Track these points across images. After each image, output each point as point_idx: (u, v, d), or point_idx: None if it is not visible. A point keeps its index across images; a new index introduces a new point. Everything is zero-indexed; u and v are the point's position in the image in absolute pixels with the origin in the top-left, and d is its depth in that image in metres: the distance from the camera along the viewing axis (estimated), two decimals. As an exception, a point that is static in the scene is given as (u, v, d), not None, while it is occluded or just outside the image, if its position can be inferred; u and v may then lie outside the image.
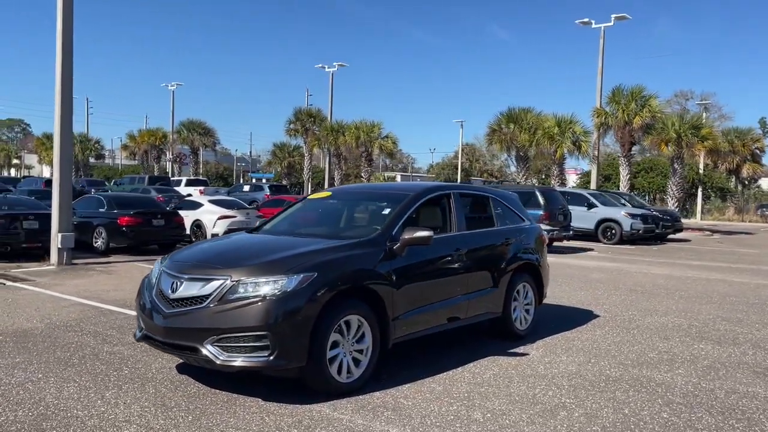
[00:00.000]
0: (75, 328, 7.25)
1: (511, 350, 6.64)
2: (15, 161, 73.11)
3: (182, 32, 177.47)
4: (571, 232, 18.85)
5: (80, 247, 15.02)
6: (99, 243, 14.98)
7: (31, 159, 71.94)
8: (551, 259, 16.13)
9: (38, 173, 61.70)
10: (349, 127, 39.07)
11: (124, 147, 53.37)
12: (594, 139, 32.32)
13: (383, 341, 5.44)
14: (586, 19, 32.84)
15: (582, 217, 21.88)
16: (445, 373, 5.76)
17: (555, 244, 19.07)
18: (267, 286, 4.76)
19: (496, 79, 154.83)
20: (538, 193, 18.36)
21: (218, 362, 4.72)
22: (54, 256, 12.87)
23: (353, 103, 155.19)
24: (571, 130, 32.47)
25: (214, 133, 47.92)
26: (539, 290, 7.52)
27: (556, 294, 10.37)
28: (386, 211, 6.03)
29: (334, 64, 42.85)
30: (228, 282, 4.81)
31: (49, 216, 13.21)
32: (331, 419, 4.54)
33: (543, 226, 17.53)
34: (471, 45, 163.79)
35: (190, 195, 28.97)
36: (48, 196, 17.05)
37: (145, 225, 15.01)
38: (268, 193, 32.85)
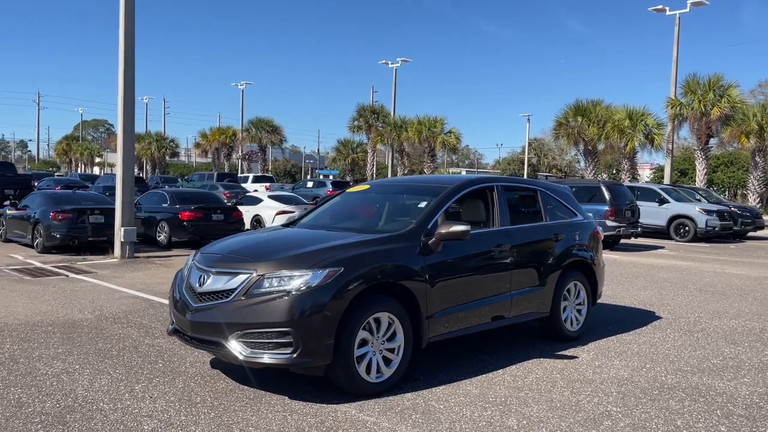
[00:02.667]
0: (122, 319, 7.35)
1: (560, 352, 6.26)
2: (98, 159, 76.67)
3: (253, 32, 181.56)
4: (639, 229, 17.99)
5: (146, 241, 15.49)
6: (162, 237, 15.36)
7: (114, 157, 75.27)
8: (618, 256, 15.56)
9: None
10: (411, 123, 38.88)
11: (197, 145, 54.96)
12: (668, 132, 30.86)
13: (417, 340, 5.19)
14: (660, 6, 31.33)
15: (653, 214, 20.87)
16: (484, 375, 5.47)
17: (622, 241, 18.29)
18: (292, 281, 4.61)
19: (566, 72, 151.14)
20: (603, 188, 17.60)
21: (242, 358, 4.60)
22: (117, 249, 13.25)
23: (417, 99, 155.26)
24: (642, 122, 31.20)
25: (281, 131, 48.67)
26: (593, 289, 7.09)
27: (616, 293, 9.85)
28: (422, 205, 5.78)
29: (398, 59, 42.70)
30: (254, 276, 4.69)
31: (114, 211, 13.61)
32: (355, 420, 4.35)
33: (608, 223, 16.97)
34: (543, 37, 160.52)
35: (256, 191, 29.52)
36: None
37: (205, 220, 15.28)
38: (331, 189, 33.02)
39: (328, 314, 4.56)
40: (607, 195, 17.34)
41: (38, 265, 11.96)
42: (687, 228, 20.54)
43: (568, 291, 6.73)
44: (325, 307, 4.56)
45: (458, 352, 6.18)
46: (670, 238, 20.57)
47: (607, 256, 15.48)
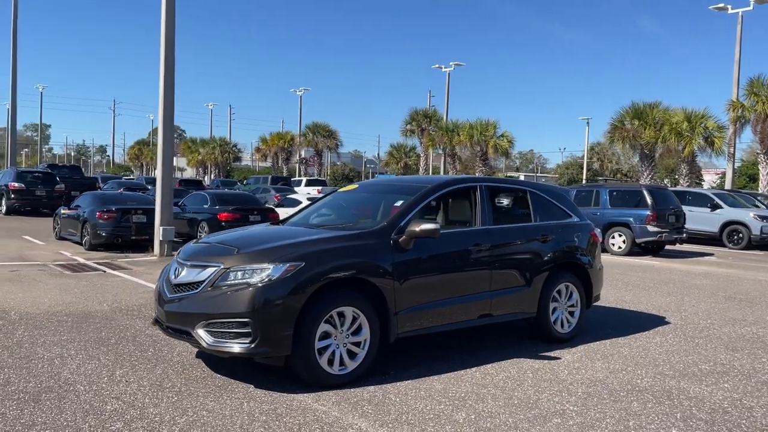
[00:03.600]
0: (134, 312, 7.77)
1: (544, 353, 6.24)
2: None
3: (314, 41, 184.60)
4: (684, 235, 17.39)
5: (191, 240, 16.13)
6: (202, 236, 15.97)
7: (183, 161, 78.39)
8: (657, 262, 15.14)
9: (190, 175, 66.78)
10: (463, 127, 38.74)
11: (257, 150, 56.51)
12: (729, 135, 29.61)
13: (384, 335, 5.32)
14: (722, 5, 30.14)
15: (704, 219, 20.15)
16: (455, 372, 5.53)
17: (667, 247, 17.74)
18: (254, 274, 4.83)
19: (627, 73, 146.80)
20: (645, 193, 17.13)
21: (206, 346, 4.86)
22: (156, 247, 13.88)
23: (474, 103, 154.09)
24: (702, 125, 30.03)
25: (337, 135, 49.38)
26: (587, 292, 7.00)
27: (636, 298, 9.66)
28: (398, 203, 5.90)
29: (451, 63, 42.66)
30: (220, 269, 4.94)
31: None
32: (306, 409, 4.52)
33: (650, 228, 16.52)
34: (605, 35, 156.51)
35: (309, 194, 30.14)
36: (179, 194, 18.48)
37: (242, 220, 15.77)
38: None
39: (286, 306, 4.76)
40: (648, 199, 16.86)
41: (82, 261, 12.68)
42: (740, 234, 19.70)
43: (559, 292, 6.69)
44: (284, 300, 4.76)
45: (440, 349, 6.26)
46: (724, 245, 19.78)
47: (644, 261, 15.17)
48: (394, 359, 5.77)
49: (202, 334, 4.85)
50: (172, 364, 5.52)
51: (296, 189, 36.06)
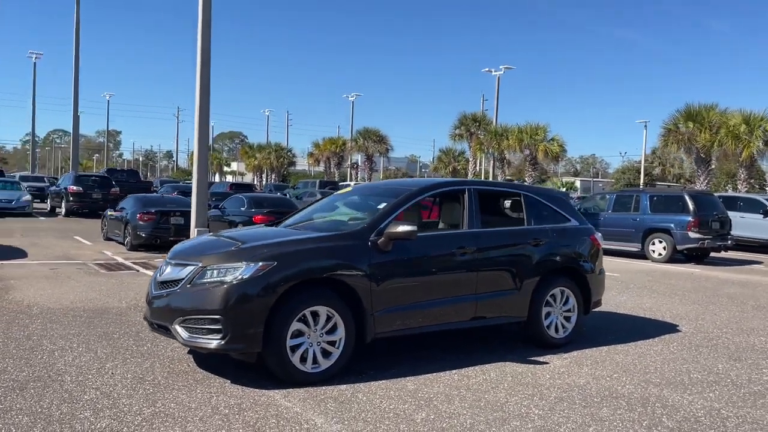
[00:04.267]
0: (148, 309, 8.11)
1: (534, 358, 6.19)
2: (225, 169, 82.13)
3: (366, 46, 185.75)
4: (729, 242, 16.72)
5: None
6: (238, 239, 16.41)
7: (242, 166, 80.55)
8: (697, 270, 14.65)
9: (250, 179, 68.45)
10: (512, 131, 38.30)
11: (310, 155, 57.40)
12: (791, 138, 28.25)
13: (361, 336, 5.41)
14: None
15: (756, 226, 19.36)
16: (434, 374, 5.56)
17: (714, 255, 17.10)
18: (228, 273, 5.01)
19: (688, 76, 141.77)
20: (687, 198, 16.57)
21: (182, 341, 5.07)
22: (191, 249, 14.36)
23: (525, 107, 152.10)
24: (762, 128, 28.79)
25: (387, 140, 49.61)
26: (585, 297, 6.90)
27: (655, 306, 9.42)
28: (381, 206, 5.99)
29: (501, 67, 42.26)
30: (198, 267, 5.15)
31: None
32: (270, 404, 4.65)
33: (691, 234, 15.97)
34: (662, 36, 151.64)
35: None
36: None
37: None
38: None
39: (257, 304, 4.92)
40: (690, 205, 16.31)
41: (120, 260, 13.25)
42: (794, 242, 18.79)
43: (553, 297, 6.62)
44: (254, 298, 4.92)
45: (427, 350, 6.31)
46: (776, 253, 18.93)
47: (684, 269, 14.70)
48: (377, 359, 5.86)
49: (179, 329, 5.07)
50: (162, 359, 5.76)
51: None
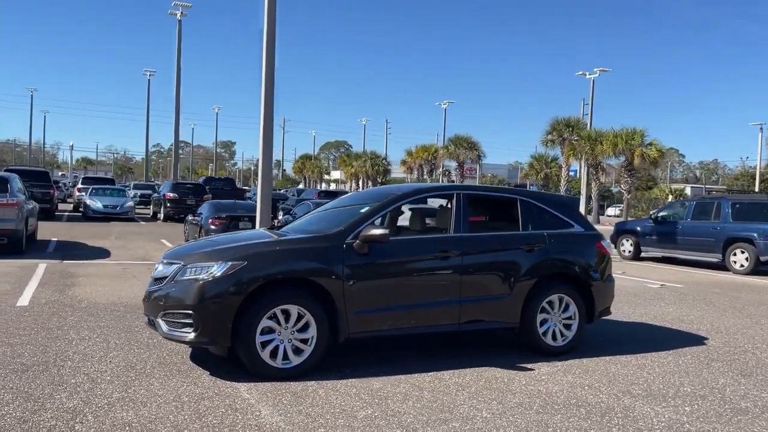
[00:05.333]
0: (182, 307, 8.69)
1: (523, 364, 6.12)
2: (326, 177, 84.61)
3: (460, 51, 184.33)
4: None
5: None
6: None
7: (342, 174, 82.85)
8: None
9: (348, 187, 70.18)
10: (606, 135, 36.93)
11: (403, 162, 58.02)
12: None
13: (334, 335, 5.61)
14: None
15: None
16: (409, 375, 5.65)
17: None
18: (202, 271, 5.37)
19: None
20: (772, 204, 15.40)
21: (162, 334, 5.49)
22: (255, 252, 15.10)
23: (623, 111, 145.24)
24: None
25: (479, 147, 49.26)
26: (588, 305, 6.70)
27: (697, 318, 9.03)
28: (363, 210, 6.15)
29: (596, 70, 40.88)
30: (180, 266, 5.55)
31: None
32: (229, 396, 4.94)
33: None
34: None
35: (440, 204, 30.58)
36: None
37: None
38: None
39: (225, 301, 5.24)
40: (775, 212, 15.15)
41: (188, 262, 14.17)
42: None
43: (550, 304, 6.50)
44: (223, 295, 5.25)
45: (416, 350, 6.43)
46: None
47: (764, 282, 13.62)
48: (361, 359, 6.02)
49: (161, 323, 5.49)
50: (161, 351, 6.21)
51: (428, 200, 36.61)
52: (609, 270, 6.96)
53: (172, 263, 5.72)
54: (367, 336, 5.83)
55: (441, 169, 53.78)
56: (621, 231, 18.86)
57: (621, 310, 9.37)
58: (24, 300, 8.59)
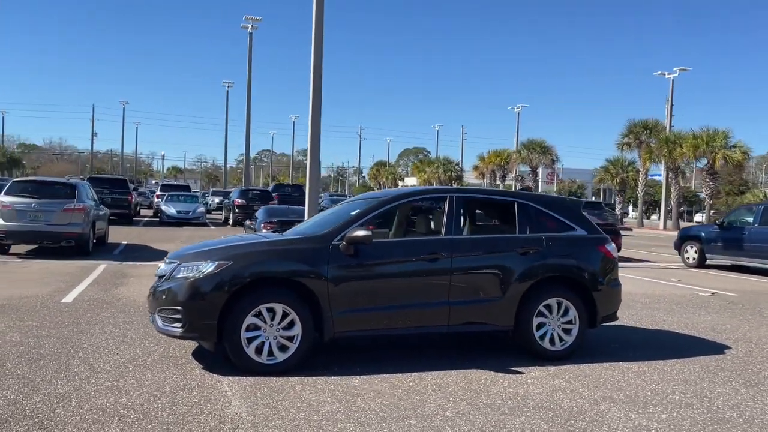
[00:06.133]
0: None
1: (514, 368, 6.09)
2: (400, 183, 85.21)
3: (532, 55, 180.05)
4: None
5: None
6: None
7: (416, 180, 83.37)
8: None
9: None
10: (686, 138, 35.35)
11: (475, 168, 57.65)
12: None
13: (320, 333, 5.78)
14: None
15: None
16: (393, 374, 5.75)
17: None
18: (191, 270, 5.68)
19: None
20: None
21: (157, 329, 5.83)
22: (304, 256, 15.54)
23: (706, 111, 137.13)
24: None
25: (553, 151, 48.27)
26: (590, 309, 6.56)
27: (733, 327, 8.72)
28: (354, 212, 6.29)
29: (675, 69, 39.15)
30: (176, 265, 5.89)
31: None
32: (210, 387, 5.20)
33: None
34: None
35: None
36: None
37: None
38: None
39: (211, 299, 5.52)
40: None
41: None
42: None
43: (548, 308, 6.41)
44: (208, 293, 5.53)
45: (409, 351, 6.51)
46: None
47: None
48: (348, 357, 6.18)
49: (157, 318, 5.84)
50: (169, 346, 6.55)
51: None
52: (614, 274, 6.79)
53: (171, 262, 6.08)
54: (353, 335, 5.98)
55: (514, 174, 53.03)
56: (684, 237, 18.06)
57: (653, 318, 9.07)
58: (70, 297, 9.26)
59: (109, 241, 17.96)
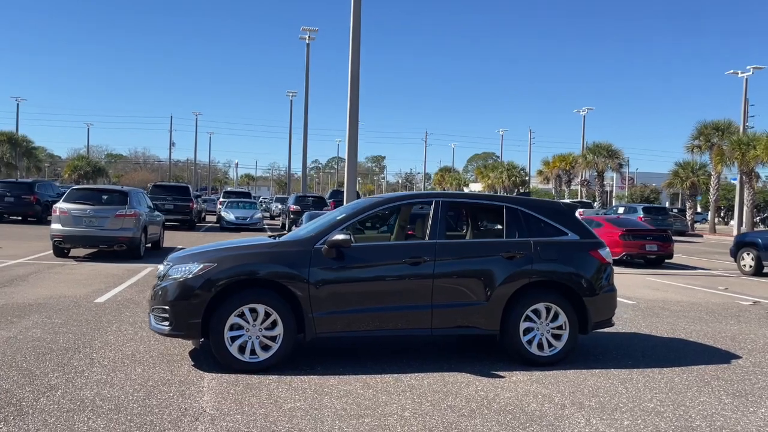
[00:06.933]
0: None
1: (498, 372, 6.11)
2: (464, 189, 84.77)
3: (598, 58, 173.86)
4: None
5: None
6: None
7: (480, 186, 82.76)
8: None
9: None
10: (760, 139, 33.58)
11: (539, 173, 56.57)
12: None
13: (303, 334, 5.97)
14: None
15: None
16: (372, 375, 5.88)
17: None
18: (179, 272, 5.99)
19: None
20: None
21: (150, 327, 6.17)
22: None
23: None
24: None
25: (620, 155, 46.84)
26: (581, 315, 6.46)
27: (759, 337, 8.16)
28: (339, 217, 6.44)
29: (748, 67, 37.25)
30: (168, 266, 6.22)
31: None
32: (190, 383, 5.47)
33: None
34: None
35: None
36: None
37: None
38: (641, 216, 30.89)
39: (195, 299, 5.81)
40: None
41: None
42: None
43: (536, 312, 6.37)
44: (193, 293, 5.82)
45: (396, 353, 6.60)
46: None
47: None
48: (334, 358, 6.34)
49: (151, 317, 6.19)
50: (171, 343, 6.88)
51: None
52: (608, 279, 6.65)
53: (167, 264, 6.43)
54: (335, 336, 6.13)
55: (580, 179, 51.74)
56: (740, 244, 17.22)
57: (674, 326, 8.81)
58: (104, 298, 9.84)
59: (165, 246, 18.81)
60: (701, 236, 37.27)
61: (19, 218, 26.91)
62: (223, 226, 28.59)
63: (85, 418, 4.56)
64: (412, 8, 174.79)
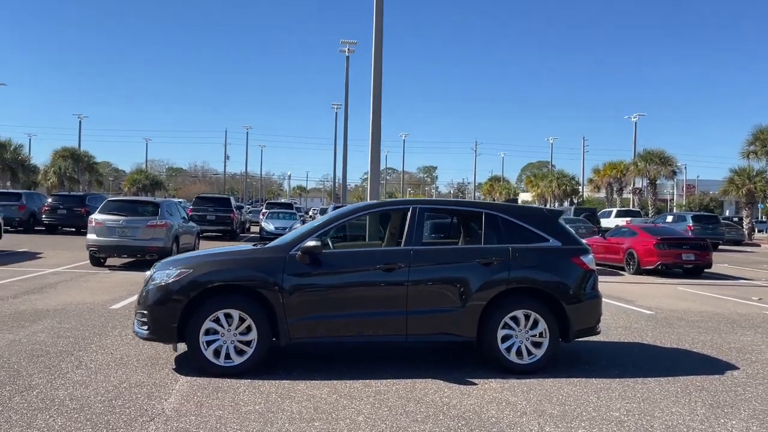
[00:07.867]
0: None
1: (472, 379, 6.06)
2: (514, 198, 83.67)
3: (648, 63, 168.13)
4: None
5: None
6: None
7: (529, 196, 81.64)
8: None
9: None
10: (818, 144, 31.98)
11: (590, 181, 55.36)
12: None
13: (278, 339, 6.07)
14: None
15: None
16: (340, 381, 5.92)
17: None
18: (158, 277, 6.19)
19: None
20: None
21: (134, 331, 6.38)
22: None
23: None
24: None
25: (673, 162, 45.37)
26: (562, 323, 6.34)
27: (758, 346, 7.99)
28: (317, 224, 6.52)
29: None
30: (153, 272, 6.43)
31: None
32: (162, 386, 5.63)
33: None
34: None
35: (617, 225, 29.06)
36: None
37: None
38: (691, 224, 29.85)
39: (171, 304, 5.98)
40: None
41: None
42: None
43: (515, 320, 6.29)
44: (169, 298, 6.00)
45: (376, 360, 6.61)
46: None
47: None
48: (320, 362, 6.42)
49: (135, 321, 6.41)
50: (162, 348, 7.11)
51: (604, 220, 34.89)
52: (590, 286, 6.50)
53: (153, 269, 6.65)
54: (310, 342, 6.20)
55: (632, 187, 50.37)
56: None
57: (682, 336, 8.54)
58: (120, 304, 10.18)
59: (200, 256, 19.33)
60: (758, 246, 35.68)
61: (73, 230, 28.10)
62: (263, 236, 29.11)
63: (47, 417, 4.77)
64: (460, 17, 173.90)
